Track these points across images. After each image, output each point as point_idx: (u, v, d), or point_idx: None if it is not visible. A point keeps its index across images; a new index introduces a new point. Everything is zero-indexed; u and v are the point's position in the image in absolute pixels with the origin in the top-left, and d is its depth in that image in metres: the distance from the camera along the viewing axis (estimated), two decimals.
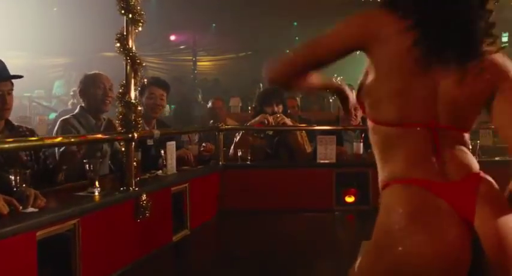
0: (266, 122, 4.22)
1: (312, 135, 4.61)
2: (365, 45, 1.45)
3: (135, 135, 2.72)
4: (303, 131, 4.39)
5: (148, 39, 13.60)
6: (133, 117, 2.72)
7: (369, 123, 1.51)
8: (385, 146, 1.47)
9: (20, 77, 2.69)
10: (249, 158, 4.16)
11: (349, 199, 4.20)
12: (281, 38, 12.77)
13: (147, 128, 3.82)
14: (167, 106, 9.67)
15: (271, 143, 4.43)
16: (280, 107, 4.40)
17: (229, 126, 4.20)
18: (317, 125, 4.63)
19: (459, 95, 1.41)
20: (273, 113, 4.31)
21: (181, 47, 14.66)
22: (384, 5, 1.46)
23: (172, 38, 14.05)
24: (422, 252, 1.31)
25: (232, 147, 4.36)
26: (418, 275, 1.32)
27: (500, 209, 1.36)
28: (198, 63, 14.61)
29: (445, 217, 1.34)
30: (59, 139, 2.73)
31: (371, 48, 1.45)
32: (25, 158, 2.80)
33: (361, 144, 4.25)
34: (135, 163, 2.78)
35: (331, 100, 7.65)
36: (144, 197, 2.76)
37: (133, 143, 2.73)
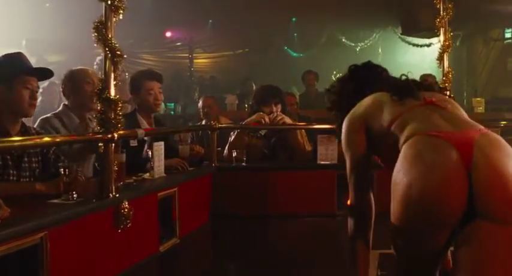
0: (263, 121, 3.94)
1: (311, 135, 4.33)
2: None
3: (115, 135, 2.43)
4: (303, 129, 4.10)
5: (144, 36, 13.34)
6: (113, 115, 2.42)
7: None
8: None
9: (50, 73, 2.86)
10: (245, 159, 3.88)
11: None
12: (279, 35, 12.57)
13: (146, 126, 3.62)
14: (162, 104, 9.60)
15: (269, 142, 4.14)
16: (279, 106, 4.11)
17: (223, 125, 3.91)
18: (317, 124, 4.34)
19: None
20: (271, 113, 4.03)
21: (178, 43, 14.37)
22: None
23: (168, 34, 13.72)
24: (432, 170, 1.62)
25: (226, 147, 4.08)
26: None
27: (495, 150, 1.65)
28: (195, 61, 14.31)
29: (446, 151, 1.64)
30: (32, 142, 2.42)
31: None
32: (34, 159, 2.64)
33: None
34: (116, 166, 2.49)
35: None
36: (125, 204, 2.47)
37: (113, 144, 2.44)
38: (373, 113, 1.95)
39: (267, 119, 3.94)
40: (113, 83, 2.44)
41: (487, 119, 6.47)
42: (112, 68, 2.46)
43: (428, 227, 1.63)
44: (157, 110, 3.81)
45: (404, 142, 1.75)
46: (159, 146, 3.12)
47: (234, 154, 3.89)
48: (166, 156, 3.44)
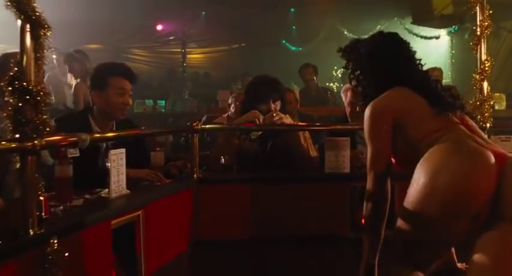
0: (257, 121, 3.16)
1: (315, 137, 3.56)
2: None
3: (37, 143, 1.65)
4: (306, 131, 3.31)
5: (133, 29, 12.63)
6: (33, 115, 1.64)
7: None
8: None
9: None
10: (235, 167, 3.10)
11: None
12: (277, 28, 11.85)
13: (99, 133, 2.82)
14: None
15: (264, 147, 3.36)
16: (278, 103, 3.34)
17: (208, 126, 3.11)
18: (324, 124, 3.57)
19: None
20: (269, 112, 3.27)
21: (170, 38, 13.66)
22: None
23: (159, 27, 12.93)
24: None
25: (213, 152, 3.31)
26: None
27: None
28: (189, 56, 13.65)
29: (484, 152, 1.80)
30: None
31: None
32: None
33: None
34: (41, 190, 1.71)
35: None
36: (54, 243, 1.68)
37: (33, 157, 1.66)
38: (408, 115, 2.00)
39: (261, 119, 3.17)
40: (33, 66, 1.65)
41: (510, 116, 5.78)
42: (33, 45, 1.67)
43: (448, 214, 1.73)
44: (121, 118, 2.98)
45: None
46: (119, 155, 2.33)
47: (222, 161, 3.12)
48: (139, 167, 2.71)
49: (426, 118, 1.95)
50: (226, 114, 4.01)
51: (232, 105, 4.00)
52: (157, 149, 2.94)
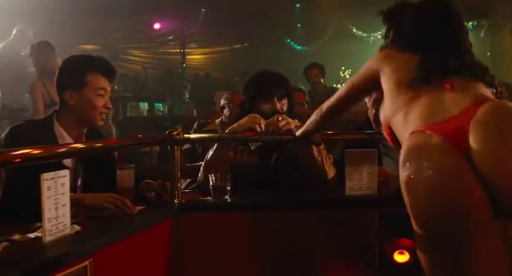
0: (258, 129, 2.45)
1: (327, 148, 2.85)
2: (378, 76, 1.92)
3: None
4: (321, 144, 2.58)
5: (131, 29, 12.13)
6: None
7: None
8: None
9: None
10: (228, 188, 2.38)
11: (401, 258, 2.39)
12: (281, 26, 11.40)
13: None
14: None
15: (267, 161, 2.65)
16: (285, 102, 2.65)
17: (193, 136, 2.38)
18: (340, 132, 2.85)
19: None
20: (274, 113, 2.58)
21: (169, 37, 13.10)
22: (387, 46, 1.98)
23: (157, 26, 12.31)
24: (425, 176, 1.58)
25: (201, 169, 2.59)
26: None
27: (495, 128, 1.55)
28: (189, 57, 13.15)
29: (438, 149, 1.58)
30: None
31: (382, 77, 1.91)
32: None
33: None
34: None
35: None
36: None
37: None
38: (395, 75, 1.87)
39: (262, 125, 2.46)
40: None
41: None
42: None
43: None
44: (100, 123, 2.39)
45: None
46: (57, 180, 1.62)
47: (212, 181, 2.40)
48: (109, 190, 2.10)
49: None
50: (220, 119, 3.32)
51: (226, 108, 3.30)
52: (126, 166, 2.22)
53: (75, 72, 2.36)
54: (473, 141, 1.53)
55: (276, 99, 2.60)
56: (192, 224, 2.24)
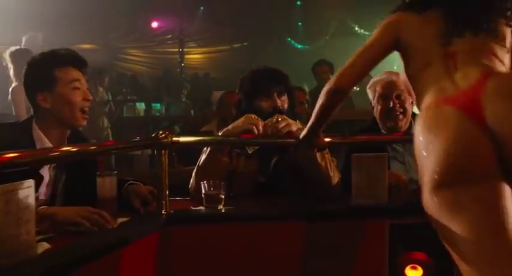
0: (255, 131, 2.22)
1: (331, 151, 2.62)
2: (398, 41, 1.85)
3: None
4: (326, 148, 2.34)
5: (128, 27, 11.97)
6: None
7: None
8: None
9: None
10: (222, 197, 2.15)
11: (414, 273, 2.16)
12: (282, 24, 11.23)
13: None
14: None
15: (266, 166, 2.42)
16: (285, 99, 2.42)
17: (182, 139, 2.14)
18: (344, 135, 2.62)
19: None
20: (274, 111, 2.35)
21: (168, 36, 12.93)
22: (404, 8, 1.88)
23: (155, 25, 12.13)
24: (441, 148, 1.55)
25: (193, 175, 2.35)
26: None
27: (509, 98, 1.56)
28: (188, 57, 13.01)
29: (454, 119, 1.57)
30: None
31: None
32: None
33: None
34: None
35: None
36: None
37: None
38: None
39: (260, 127, 2.22)
40: None
41: None
42: None
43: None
44: (82, 123, 2.19)
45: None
46: (14, 193, 1.38)
47: (205, 189, 2.16)
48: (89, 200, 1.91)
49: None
50: (217, 120, 3.08)
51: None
52: (107, 172, 1.99)
53: (42, 72, 2.16)
54: (489, 110, 1.54)
55: (275, 96, 2.37)
56: (182, 238, 2.00)
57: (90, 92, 2.24)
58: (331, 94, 1.88)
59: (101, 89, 6.62)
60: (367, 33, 11.04)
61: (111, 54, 12.36)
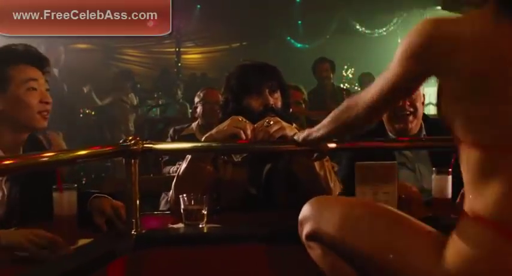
0: (243, 135, 1.91)
1: (332, 159, 2.32)
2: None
3: None
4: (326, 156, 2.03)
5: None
6: None
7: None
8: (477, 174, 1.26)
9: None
10: (204, 212, 1.83)
11: None
12: (280, 22, 11.01)
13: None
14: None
15: (257, 175, 2.10)
16: (278, 96, 2.13)
17: (160, 147, 1.83)
18: (354, 140, 2.30)
19: None
20: (266, 110, 2.05)
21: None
22: None
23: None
24: None
25: (172, 187, 2.05)
26: None
27: None
28: (184, 56, 12.82)
29: None
30: None
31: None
32: None
33: (449, 177, 1.95)
34: None
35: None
36: None
37: None
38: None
39: (249, 131, 1.91)
40: None
41: None
42: None
43: None
44: (41, 126, 1.91)
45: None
46: None
47: (184, 203, 1.85)
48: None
49: None
50: (196, 123, 2.78)
51: (199, 107, 2.77)
52: (65, 186, 1.67)
53: None
54: None
55: (267, 92, 2.07)
56: (155, 263, 1.69)
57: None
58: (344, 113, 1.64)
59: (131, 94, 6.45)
60: (368, 31, 10.86)
61: (106, 54, 12.15)
